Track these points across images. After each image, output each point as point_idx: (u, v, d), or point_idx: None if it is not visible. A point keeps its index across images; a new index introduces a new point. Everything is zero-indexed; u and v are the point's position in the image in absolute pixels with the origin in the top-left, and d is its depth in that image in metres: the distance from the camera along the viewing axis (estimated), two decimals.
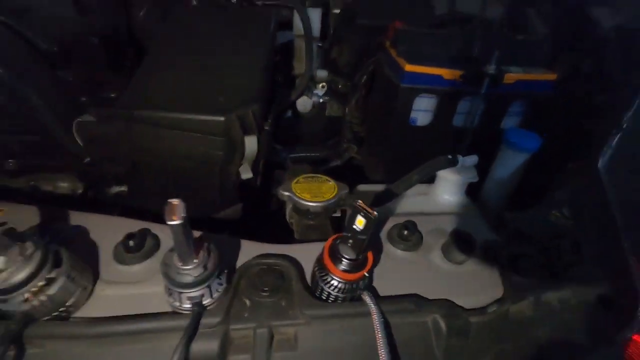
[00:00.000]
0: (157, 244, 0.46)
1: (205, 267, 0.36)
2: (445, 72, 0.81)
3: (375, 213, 0.34)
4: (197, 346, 0.37)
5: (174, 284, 0.36)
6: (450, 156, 0.68)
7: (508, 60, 0.86)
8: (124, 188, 0.73)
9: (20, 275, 0.33)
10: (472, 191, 0.87)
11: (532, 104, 0.88)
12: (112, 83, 0.72)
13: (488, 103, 0.85)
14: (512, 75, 0.83)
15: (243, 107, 0.60)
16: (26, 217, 0.50)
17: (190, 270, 0.36)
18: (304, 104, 1.24)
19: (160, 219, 0.48)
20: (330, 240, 0.40)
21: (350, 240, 0.37)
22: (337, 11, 1.27)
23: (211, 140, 0.59)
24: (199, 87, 0.62)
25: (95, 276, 0.42)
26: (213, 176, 0.62)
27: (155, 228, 0.47)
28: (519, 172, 0.81)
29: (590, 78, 0.94)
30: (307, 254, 0.46)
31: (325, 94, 1.28)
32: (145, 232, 0.45)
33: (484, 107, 0.85)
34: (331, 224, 0.58)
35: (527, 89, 0.85)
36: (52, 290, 0.35)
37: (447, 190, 0.70)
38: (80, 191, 0.83)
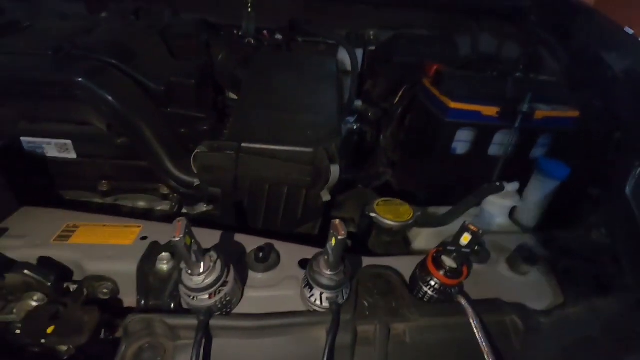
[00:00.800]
0: (278, 256, 0.56)
1: (344, 274, 0.46)
2: (483, 109, 0.94)
3: (481, 231, 0.45)
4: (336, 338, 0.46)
5: (318, 285, 0.46)
6: (498, 183, 0.80)
7: (536, 99, 0.99)
8: (210, 207, 0.83)
9: (211, 278, 0.43)
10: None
11: (557, 137, 1.00)
12: (202, 118, 0.83)
13: (520, 136, 0.97)
14: (541, 112, 0.95)
15: (328, 140, 0.71)
16: (161, 231, 0.60)
17: (334, 275, 0.46)
18: (342, 131, 1.36)
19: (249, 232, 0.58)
20: (433, 250, 0.50)
21: (455, 253, 0.48)
22: (372, 48, 1.42)
23: (302, 168, 0.69)
24: (289, 123, 0.73)
25: (244, 283, 0.51)
26: (300, 198, 0.72)
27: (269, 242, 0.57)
28: (549, 197, 0.92)
29: (602, 116, 1.06)
30: (400, 264, 0.56)
31: (356, 121, 1.40)
32: (270, 246, 0.55)
33: (516, 139, 0.98)
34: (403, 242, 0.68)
35: (553, 124, 0.97)
36: (226, 290, 0.45)
37: (494, 212, 0.81)
38: (157, 209, 0.93)
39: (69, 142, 0.83)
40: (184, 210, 0.87)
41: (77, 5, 1.24)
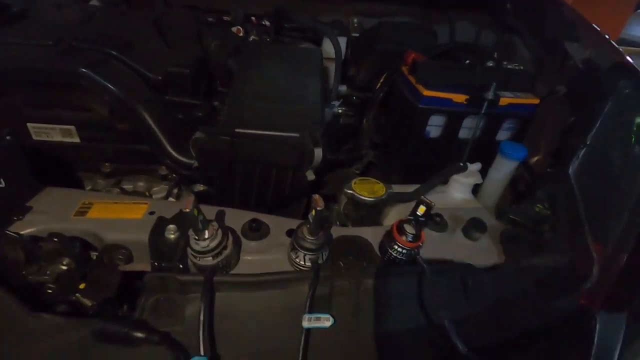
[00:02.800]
0: (267, 229, 0.66)
1: (322, 239, 0.57)
2: (453, 96, 1.04)
3: (434, 204, 0.55)
4: (316, 291, 0.57)
5: (301, 248, 0.56)
6: (461, 164, 0.91)
7: (502, 87, 1.10)
8: (204, 188, 0.92)
9: (214, 243, 0.53)
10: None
11: (520, 121, 1.11)
12: (198, 104, 0.90)
13: (486, 120, 1.08)
14: (505, 99, 1.06)
15: (313, 127, 0.80)
16: (165, 207, 0.69)
17: (314, 240, 0.56)
18: (327, 115, 1.44)
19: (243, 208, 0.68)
20: (397, 221, 0.61)
21: (413, 222, 0.58)
22: (355, 35, 1.49)
23: (289, 152, 0.78)
24: (277, 111, 0.82)
25: (240, 249, 0.61)
26: (287, 179, 0.82)
27: (260, 216, 0.67)
28: (509, 176, 1.04)
29: (564, 102, 1.17)
30: (369, 234, 0.67)
31: (341, 105, 1.48)
32: (261, 220, 0.65)
33: (483, 123, 1.08)
34: (377, 215, 0.79)
35: (516, 110, 1.08)
36: (226, 253, 0.55)
37: (458, 189, 0.92)
38: (154, 189, 1.02)
39: (72, 127, 0.89)
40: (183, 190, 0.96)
41: None
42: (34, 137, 0.90)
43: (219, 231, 0.54)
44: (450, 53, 1.33)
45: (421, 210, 0.57)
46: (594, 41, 1.22)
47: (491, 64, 1.26)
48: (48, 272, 0.56)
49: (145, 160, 0.93)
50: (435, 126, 1.09)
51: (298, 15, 1.30)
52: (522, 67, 1.23)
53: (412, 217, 0.58)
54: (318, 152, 0.80)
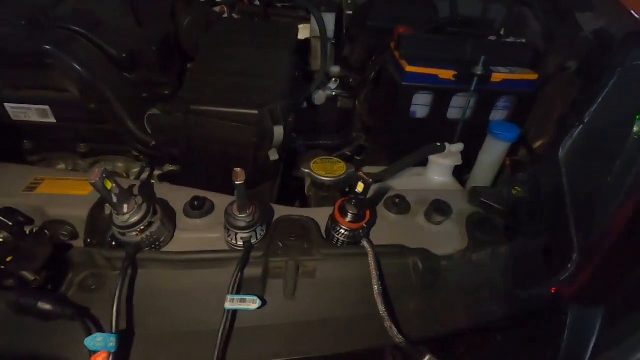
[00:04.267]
0: (212, 206, 0.63)
1: (253, 217, 0.53)
2: (440, 72, 0.96)
3: (370, 180, 0.50)
4: (247, 272, 0.54)
5: (232, 227, 0.53)
6: (438, 144, 0.84)
7: (497, 62, 1.00)
8: (175, 167, 0.91)
9: (135, 218, 0.51)
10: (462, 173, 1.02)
11: (517, 99, 1.02)
12: (164, 82, 0.88)
13: (478, 98, 0.99)
14: (499, 75, 0.96)
15: (273, 103, 0.76)
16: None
17: (244, 218, 0.53)
18: (319, 97, 1.39)
19: (207, 188, 0.65)
20: (339, 201, 0.56)
21: (354, 200, 0.54)
22: (349, 12, 1.41)
23: (247, 129, 0.75)
24: (238, 87, 0.78)
25: (175, 226, 0.59)
26: (248, 158, 0.79)
27: (207, 194, 0.65)
28: (500, 158, 0.95)
29: (575, 79, 1.06)
30: (322, 215, 0.62)
31: (337, 88, 1.42)
32: (205, 197, 0.63)
33: (475, 102, 1.00)
34: (340, 195, 0.74)
35: (511, 87, 0.98)
36: (152, 229, 0.53)
37: (436, 171, 0.86)
38: (134, 170, 1.02)
39: (47, 107, 0.90)
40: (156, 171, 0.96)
41: None
42: (13, 118, 0.92)
43: (143, 206, 0.52)
44: (447, 28, 1.23)
45: (360, 187, 0.52)
46: (610, 10, 1.09)
47: (493, 39, 1.16)
48: None
49: (118, 140, 0.93)
50: (421, 105, 1.02)
51: None
52: (523, 41, 1.13)
53: (352, 196, 0.53)
54: (279, 130, 0.77)
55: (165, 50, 0.89)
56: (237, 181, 0.47)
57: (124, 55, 0.84)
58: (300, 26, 1.36)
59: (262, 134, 0.76)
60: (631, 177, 0.64)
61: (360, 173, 0.51)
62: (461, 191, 0.75)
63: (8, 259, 0.52)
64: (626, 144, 0.68)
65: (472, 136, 1.00)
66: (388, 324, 0.49)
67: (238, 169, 0.48)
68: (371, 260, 0.54)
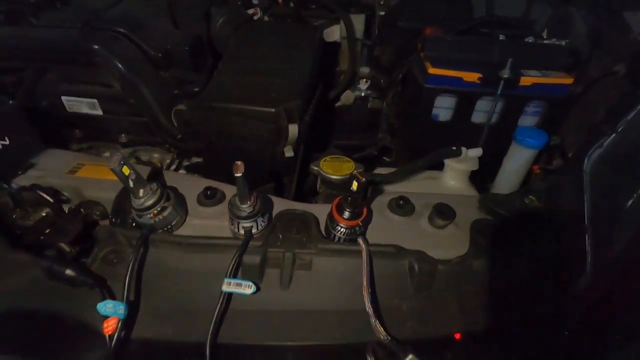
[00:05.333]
0: (223, 196, 0.68)
1: (254, 208, 0.57)
2: (464, 75, 0.93)
3: (364, 179, 0.52)
4: (246, 259, 0.58)
5: (235, 216, 0.57)
6: (454, 148, 0.82)
7: (529, 64, 0.95)
8: (200, 159, 0.97)
9: (150, 202, 0.56)
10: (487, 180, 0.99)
11: (550, 104, 0.96)
12: (195, 80, 0.95)
13: (505, 103, 0.95)
14: (528, 79, 0.92)
15: (289, 102, 0.79)
16: (144, 172, 0.75)
17: (245, 208, 0.56)
18: (347, 97, 1.41)
19: (227, 181, 0.70)
20: (337, 199, 0.58)
21: (350, 198, 0.55)
22: (382, 13, 1.41)
23: (264, 126, 0.79)
24: (258, 86, 0.83)
25: (187, 212, 0.65)
26: (265, 153, 0.83)
27: (221, 186, 0.69)
28: (525, 165, 0.91)
29: (624, 83, 0.99)
30: (324, 211, 0.65)
31: (368, 89, 1.43)
32: (216, 188, 0.68)
33: (502, 106, 0.96)
34: None
35: (543, 91, 0.94)
36: (165, 213, 0.59)
37: (452, 176, 0.84)
38: (167, 161, 1.11)
39: (95, 100, 1.01)
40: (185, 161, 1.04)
41: None
42: (67, 109, 1.04)
43: (158, 191, 0.57)
44: (482, 29, 1.19)
45: (355, 186, 0.53)
46: None
47: (531, 40, 1.10)
48: (31, 218, 0.65)
49: (153, 133, 1.02)
50: (444, 108, 1.00)
51: None
52: (562, 43, 1.06)
53: (348, 194, 0.55)
54: (293, 128, 0.80)
55: (197, 50, 0.96)
56: (237, 173, 0.51)
57: (160, 54, 0.92)
58: (333, 27, 1.39)
59: (278, 131, 0.80)
60: None
61: (355, 172, 0.53)
62: (473, 197, 0.73)
63: (46, 231, 0.61)
64: None
65: (499, 142, 0.97)
66: (373, 320, 0.51)
67: (238, 162, 0.52)
68: (364, 257, 0.56)
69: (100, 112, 1.03)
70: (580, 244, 0.61)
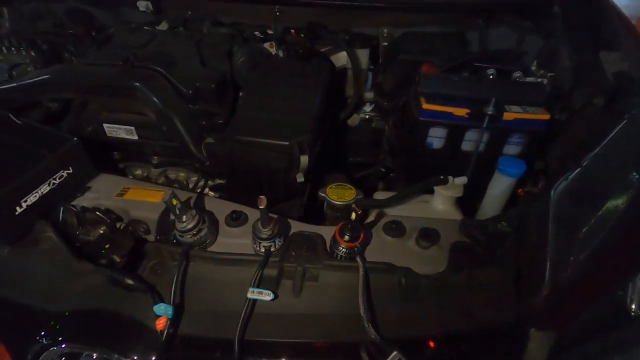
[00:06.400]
0: (246, 218, 0.82)
1: (273, 231, 0.71)
2: (454, 110, 1.07)
3: (360, 211, 0.66)
4: (266, 272, 0.72)
5: (257, 237, 0.72)
6: (442, 177, 0.96)
7: (511, 101, 1.08)
8: (223, 181, 1.12)
9: (191, 225, 0.71)
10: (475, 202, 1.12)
11: (530, 136, 1.09)
12: (220, 113, 1.10)
13: (491, 134, 1.08)
14: (511, 114, 1.05)
15: (300, 136, 0.94)
16: (180, 195, 0.89)
17: (266, 232, 0.71)
18: (353, 120, 1.55)
19: (246, 202, 0.85)
20: (339, 224, 0.72)
21: (349, 225, 0.69)
22: (385, 44, 1.55)
23: (279, 157, 0.94)
24: (274, 121, 0.97)
25: (217, 232, 0.79)
26: (279, 179, 0.97)
27: (244, 209, 0.84)
28: (507, 191, 1.04)
29: (603, 115, 1.10)
30: (329, 232, 0.79)
31: (372, 110, 1.57)
32: (240, 211, 0.82)
33: (488, 137, 1.09)
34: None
35: (523, 125, 1.06)
36: (202, 234, 0.73)
37: (440, 201, 0.97)
38: (192, 179, 1.26)
39: (132, 127, 1.17)
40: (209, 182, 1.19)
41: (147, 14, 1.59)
42: (107, 134, 1.20)
43: (196, 217, 0.72)
44: (474, 63, 1.32)
45: (353, 216, 0.67)
46: (635, 53, 1.13)
47: (518, 74, 1.23)
48: (92, 234, 0.81)
49: (181, 156, 1.17)
50: (437, 137, 1.13)
51: (324, 30, 1.42)
52: (546, 79, 1.19)
53: (348, 222, 0.69)
54: (304, 159, 0.94)
55: (222, 87, 1.11)
56: (261, 206, 0.66)
57: (190, 91, 1.07)
58: (339, 54, 1.54)
59: (291, 161, 0.94)
60: (607, 228, 0.71)
61: (353, 205, 0.67)
62: (456, 221, 0.87)
63: (106, 246, 0.76)
64: (613, 192, 0.75)
65: (486, 168, 1.10)
66: (366, 323, 0.64)
67: (262, 197, 0.66)
68: (360, 272, 0.69)
69: (136, 137, 1.19)
70: (541, 262, 0.74)
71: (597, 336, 0.66)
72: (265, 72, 1.15)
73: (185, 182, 1.25)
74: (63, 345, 0.70)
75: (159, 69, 1.11)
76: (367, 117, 1.57)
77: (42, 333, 0.70)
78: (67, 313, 0.73)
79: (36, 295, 0.76)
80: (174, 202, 0.67)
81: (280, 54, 1.36)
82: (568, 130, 1.19)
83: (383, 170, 1.42)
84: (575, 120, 1.19)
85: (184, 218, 0.71)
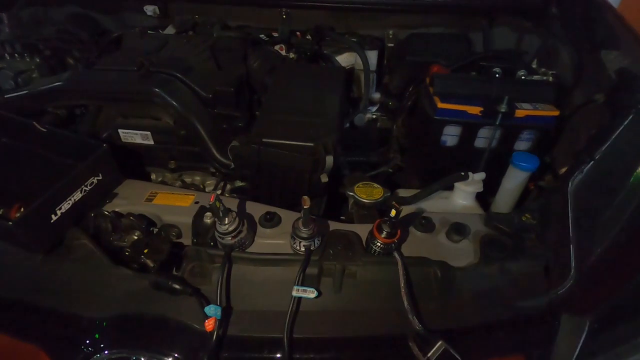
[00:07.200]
0: (280, 219, 0.84)
1: (313, 231, 0.73)
2: (468, 108, 1.11)
3: (401, 208, 0.68)
4: (307, 271, 0.74)
5: (298, 237, 0.73)
6: (462, 173, 0.99)
7: (522, 98, 1.13)
8: (243, 184, 1.13)
9: (232, 227, 0.72)
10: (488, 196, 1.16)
11: (540, 133, 1.14)
12: (239, 116, 1.11)
13: (503, 131, 1.13)
14: (522, 112, 1.09)
15: (325, 137, 0.96)
16: (206, 198, 0.90)
17: (307, 231, 0.72)
18: (360, 120, 1.58)
19: (271, 202, 0.86)
20: (377, 221, 0.74)
21: (388, 222, 0.72)
22: (391, 45, 1.59)
23: (304, 158, 0.95)
24: (298, 124, 0.99)
25: (255, 233, 0.80)
26: (304, 180, 0.99)
27: (277, 210, 0.85)
28: (521, 186, 1.08)
29: (604, 111, 1.15)
30: (364, 230, 0.81)
31: (377, 110, 1.60)
32: (274, 212, 0.83)
33: (500, 134, 1.13)
34: (378, 214, 0.92)
35: (534, 122, 1.11)
36: (241, 235, 0.74)
37: (461, 196, 1.01)
38: (208, 182, 1.26)
39: (148, 132, 1.16)
40: (228, 185, 1.19)
41: (151, 19, 1.59)
42: (123, 140, 1.19)
43: (237, 219, 0.73)
44: (479, 62, 1.36)
45: (392, 213, 0.70)
46: (635, 50, 1.18)
47: (522, 73, 1.28)
48: (126, 239, 0.81)
49: (199, 160, 1.17)
50: (451, 135, 1.17)
51: (333, 32, 1.45)
52: (551, 76, 1.24)
53: (387, 219, 0.71)
54: (329, 159, 0.96)
55: (240, 90, 1.12)
56: (305, 206, 0.67)
57: (210, 95, 1.08)
58: (343, 55, 1.56)
59: (316, 162, 0.96)
60: (626, 215, 0.75)
61: (393, 202, 0.69)
62: (480, 215, 0.90)
63: (145, 251, 0.76)
64: (628, 182, 0.80)
65: (498, 164, 1.14)
66: (411, 315, 0.67)
67: (305, 197, 0.68)
68: (400, 267, 0.72)
69: (151, 142, 1.19)
70: (565, 251, 0.78)
71: (628, 318, 0.70)
72: (284, 75, 1.16)
73: (201, 186, 1.26)
74: (106, 352, 0.70)
75: (176, 73, 1.11)
76: (373, 117, 1.60)
77: (87, 341, 0.70)
78: (106, 319, 0.73)
79: (73, 303, 0.75)
80: (218, 205, 0.68)
81: (291, 56, 1.37)
82: (571, 126, 1.24)
83: (390, 170, 1.44)
84: (578, 116, 1.24)
85: (226, 220, 0.72)
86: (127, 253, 0.80)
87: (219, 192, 1.13)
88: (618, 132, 0.88)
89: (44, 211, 0.73)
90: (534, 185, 1.20)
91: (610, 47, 1.26)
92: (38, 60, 1.36)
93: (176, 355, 0.68)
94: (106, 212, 0.80)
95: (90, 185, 0.83)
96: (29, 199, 0.72)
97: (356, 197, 0.89)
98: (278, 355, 0.68)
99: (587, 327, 0.69)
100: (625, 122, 0.89)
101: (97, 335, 0.71)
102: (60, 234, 0.78)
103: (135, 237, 0.81)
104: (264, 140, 0.95)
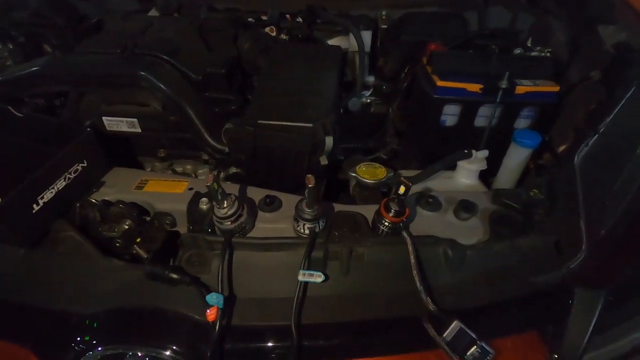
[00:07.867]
0: (280, 202, 0.80)
1: (317, 212, 0.69)
2: (468, 86, 1.08)
3: (410, 184, 0.65)
4: (312, 254, 0.70)
5: (301, 218, 0.69)
6: (466, 150, 0.96)
7: (521, 75, 1.11)
8: (239, 170, 1.08)
9: (231, 211, 0.68)
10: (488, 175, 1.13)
11: (540, 109, 1.12)
12: (232, 99, 1.06)
13: (503, 109, 1.10)
14: (522, 88, 1.07)
15: (324, 118, 0.91)
16: (200, 184, 0.85)
17: (311, 212, 0.68)
18: (354, 104, 1.54)
19: (267, 186, 0.82)
20: (385, 199, 0.71)
21: (396, 199, 0.68)
22: (384, 27, 1.55)
23: (303, 140, 0.91)
24: (295, 104, 0.94)
25: (255, 217, 0.76)
26: (303, 163, 0.95)
27: (276, 193, 0.81)
28: (523, 163, 1.06)
29: (599, 88, 1.13)
30: (368, 211, 0.77)
31: (371, 95, 1.56)
32: (275, 196, 0.79)
33: (500, 111, 1.11)
34: (381, 195, 0.89)
35: (534, 98, 1.09)
36: (242, 219, 0.70)
37: (464, 175, 0.98)
38: (200, 171, 1.21)
39: (135, 120, 1.10)
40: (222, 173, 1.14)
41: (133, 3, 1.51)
42: (107, 129, 1.12)
43: (236, 202, 0.69)
44: (476, 41, 1.33)
45: (401, 189, 0.66)
46: (632, 24, 1.17)
47: (518, 51, 1.25)
48: (116, 229, 0.75)
49: (191, 147, 1.12)
50: (450, 115, 1.14)
51: (326, 13, 1.40)
52: (547, 54, 1.22)
53: (395, 196, 0.68)
54: (329, 140, 0.92)
55: (232, 72, 1.07)
56: (310, 184, 0.63)
57: (200, 77, 1.02)
58: (335, 39, 1.51)
59: (316, 143, 0.91)
60: (636, 185, 0.74)
61: (402, 178, 0.66)
62: (486, 192, 0.88)
63: (138, 240, 0.71)
64: (635, 153, 0.78)
65: (498, 142, 1.12)
66: (424, 295, 0.64)
67: (310, 175, 0.64)
68: (410, 247, 0.69)
69: (139, 130, 1.12)
70: (576, 225, 0.76)
71: None
72: (278, 55, 1.11)
73: (193, 175, 1.20)
74: (99, 349, 0.66)
75: (163, 55, 1.05)
76: (367, 101, 1.57)
77: (78, 339, 0.65)
78: (98, 314, 0.68)
79: (62, 299, 0.70)
80: (215, 186, 0.64)
81: (283, 37, 1.32)
82: (566, 104, 1.23)
83: (384, 157, 1.40)
84: (574, 94, 1.23)
85: (225, 204, 0.67)
86: (117, 244, 0.75)
87: (216, 173, 1.07)
88: (621, 104, 0.86)
89: (24, 201, 0.67)
90: (533, 164, 1.18)
91: (606, 22, 1.25)
92: (11, 46, 1.28)
93: (175, 348, 0.64)
94: (94, 201, 0.75)
95: (74, 173, 0.77)
96: (7, 188, 0.66)
97: (359, 177, 0.86)
98: (286, 344, 0.64)
99: (602, 299, 0.67)
100: (628, 95, 0.87)
101: (86, 338, 0.66)
102: (45, 226, 0.72)
103: (126, 227, 0.75)
104: (259, 122, 0.90)
